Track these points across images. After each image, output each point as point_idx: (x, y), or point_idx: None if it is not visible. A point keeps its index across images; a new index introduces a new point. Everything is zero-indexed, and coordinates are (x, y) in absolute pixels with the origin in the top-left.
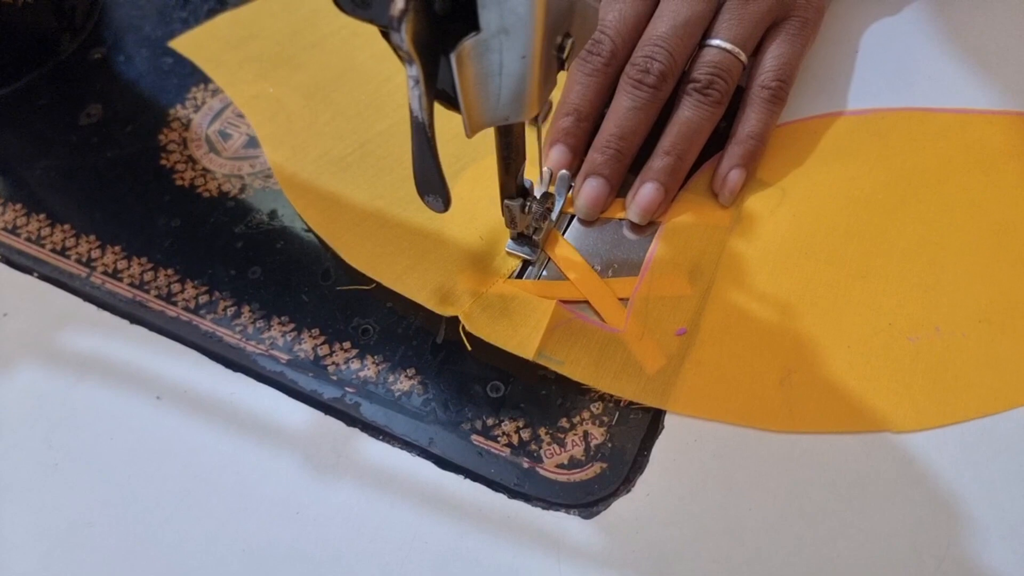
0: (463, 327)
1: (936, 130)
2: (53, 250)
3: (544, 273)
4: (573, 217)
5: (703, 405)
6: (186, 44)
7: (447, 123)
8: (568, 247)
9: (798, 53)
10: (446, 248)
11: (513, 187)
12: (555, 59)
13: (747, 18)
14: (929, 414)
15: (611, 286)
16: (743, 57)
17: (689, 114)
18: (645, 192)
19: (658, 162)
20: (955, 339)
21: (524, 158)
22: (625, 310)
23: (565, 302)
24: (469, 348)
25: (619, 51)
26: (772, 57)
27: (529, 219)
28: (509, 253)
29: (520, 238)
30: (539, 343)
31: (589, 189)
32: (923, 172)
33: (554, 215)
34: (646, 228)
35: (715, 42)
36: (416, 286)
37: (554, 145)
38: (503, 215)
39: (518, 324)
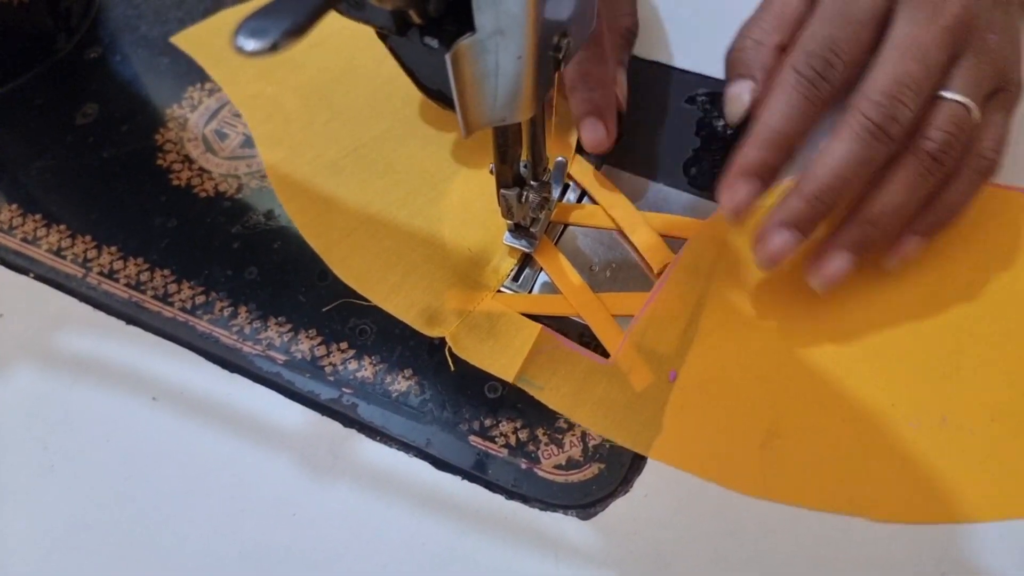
0: (449, 348)
1: (984, 207)
2: (49, 250)
3: (543, 277)
4: (566, 226)
5: (677, 455)
6: (187, 40)
7: (440, 128)
8: (562, 260)
9: (1008, 129)
10: (435, 262)
11: (509, 176)
12: (551, 59)
13: (980, 79)
14: (912, 509)
15: (604, 301)
16: (978, 119)
17: (912, 180)
18: (836, 263)
19: (857, 230)
20: (960, 434)
21: (521, 147)
22: (617, 327)
23: (549, 319)
24: (452, 369)
25: (850, 80)
26: (990, 125)
27: (526, 209)
28: (507, 245)
29: (518, 229)
30: (519, 367)
31: (782, 243)
32: (962, 250)
33: (553, 200)
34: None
35: (957, 96)
36: (404, 305)
37: (747, 177)
38: (499, 205)
39: (504, 346)
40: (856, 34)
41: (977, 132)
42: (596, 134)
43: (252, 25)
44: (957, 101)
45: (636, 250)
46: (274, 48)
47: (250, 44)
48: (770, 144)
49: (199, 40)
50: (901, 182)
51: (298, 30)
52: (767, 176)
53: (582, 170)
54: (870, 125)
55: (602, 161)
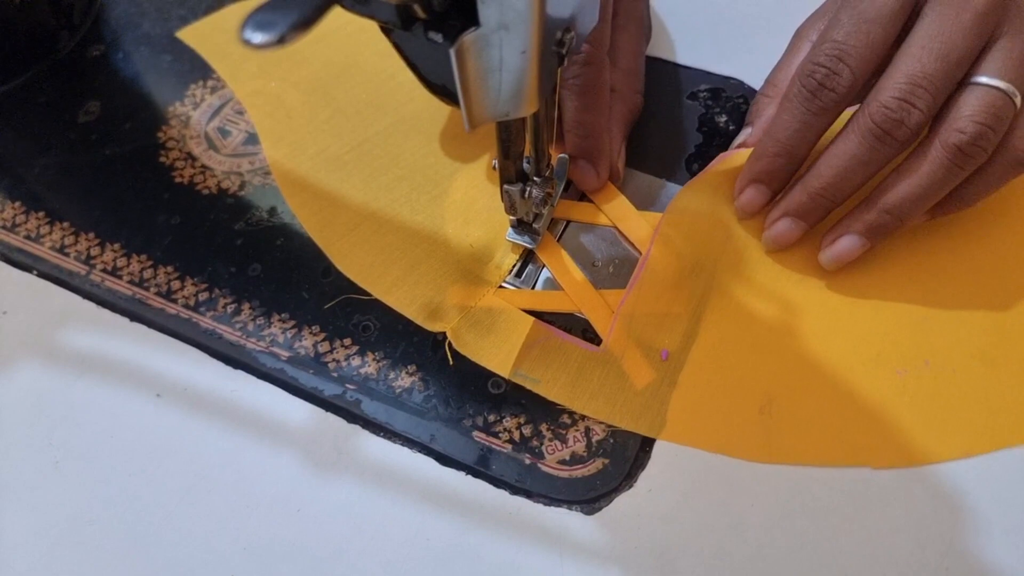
0: (449, 343)
1: None
2: (52, 248)
3: (545, 273)
4: (569, 222)
5: (679, 431)
6: (192, 35)
7: (443, 125)
8: (564, 256)
9: None
10: (437, 258)
11: (512, 172)
12: (555, 55)
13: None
14: (910, 452)
15: (605, 298)
16: (1020, 103)
17: (936, 173)
18: (847, 245)
19: (874, 216)
20: (944, 374)
21: (524, 143)
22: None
23: (552, 315)
24: (451, 363)
25: (859, 84)
26: None
27: (530, 205)
28: (510, 242)
29: (520, 225)
30: (514, 361)
31: (786, 229)
32: None
33: (556, 195)
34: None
35: (992, 80)
36: (406, 300)
37: (754, 184)
38: (503, 201)
39: (502, 341)
40: (868, 35)
41: (1016, 120)
42: (586, 175)
43: (259, 18)
44: (994, 87)
45: (635, 247)
46: (281, 41)
47: (257, 37)
48: (772, 154)
49: (204, 35)
50: (925, 175)
51: (305, 23)
52: (772, 182)
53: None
54: (875, 129)
55: None
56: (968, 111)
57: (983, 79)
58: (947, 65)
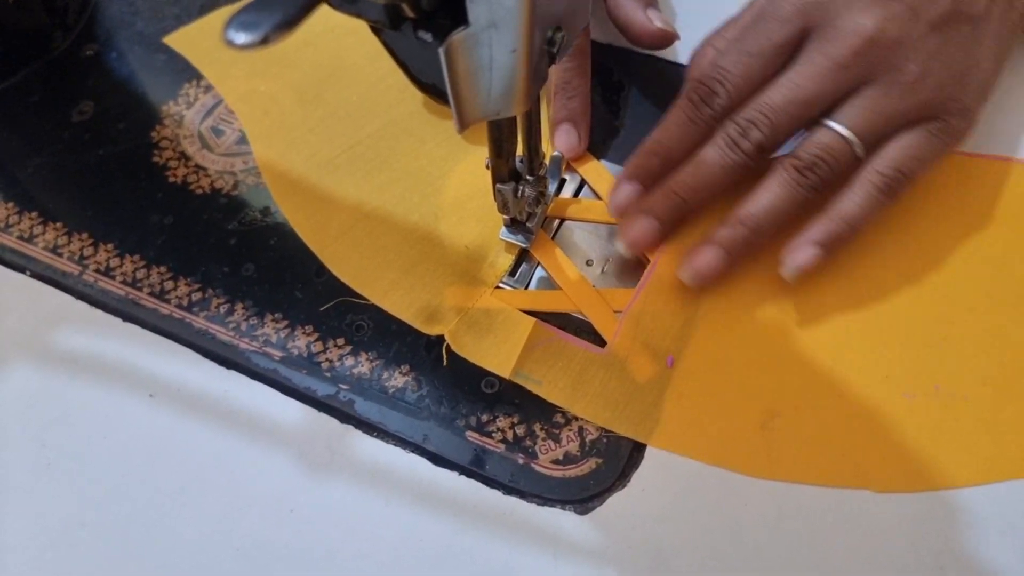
0: (446, 346)
1: (969, 177)
2: (45, 248)
3: (539, 272)
4: (563, 220)
5: (679, 441)
6: (180, 40)
7: (435, 125)
8: (559, 254)
9: (932, 154)
10: (432, 260)
11: (505, 171)
12: (546, 53)
13: (880, 110)
14: (913, 478)
15: (604, 296)
16: (859, 150)
17: (778, 191)
18: (705, 257)
19: (728, 230)
20: (954, 401)
21: (516, 142)
22: (618, 322)
23: (549, 315)
24: (445, 363)
25: (733, 107)
26: (900, 146)
27: (523, 204)
28: (503, 240)
29: (514, 224)
30: (516, 362)
31: (640, 227)
32: (946, 220)
33: (549, 194)
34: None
35: (832, 124)
36: (402, 304)
37: (629, 180)
38: (495, 200)
39: (501, 342)
40: (748, 67)
41: (883, 150)
42: (569, 140)
43: (243, 18)
44: (835, 130)
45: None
46: (265, 41)
47: (240, 37)
48: (649, 153)
49: (192, 40)
50: (768, 188)
51: (289, 23)
52: (646, 179)
53: (590, 167)
54: (727, 139)
55: (598, 158)
56: (808, 143)
57: (830, 122)
58: (791, 103)
